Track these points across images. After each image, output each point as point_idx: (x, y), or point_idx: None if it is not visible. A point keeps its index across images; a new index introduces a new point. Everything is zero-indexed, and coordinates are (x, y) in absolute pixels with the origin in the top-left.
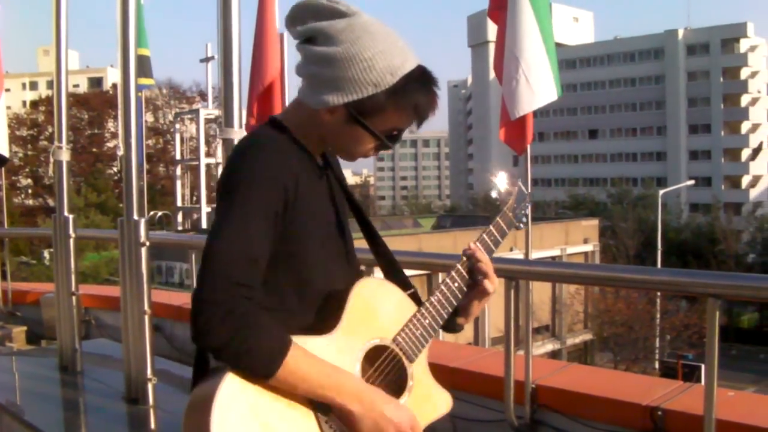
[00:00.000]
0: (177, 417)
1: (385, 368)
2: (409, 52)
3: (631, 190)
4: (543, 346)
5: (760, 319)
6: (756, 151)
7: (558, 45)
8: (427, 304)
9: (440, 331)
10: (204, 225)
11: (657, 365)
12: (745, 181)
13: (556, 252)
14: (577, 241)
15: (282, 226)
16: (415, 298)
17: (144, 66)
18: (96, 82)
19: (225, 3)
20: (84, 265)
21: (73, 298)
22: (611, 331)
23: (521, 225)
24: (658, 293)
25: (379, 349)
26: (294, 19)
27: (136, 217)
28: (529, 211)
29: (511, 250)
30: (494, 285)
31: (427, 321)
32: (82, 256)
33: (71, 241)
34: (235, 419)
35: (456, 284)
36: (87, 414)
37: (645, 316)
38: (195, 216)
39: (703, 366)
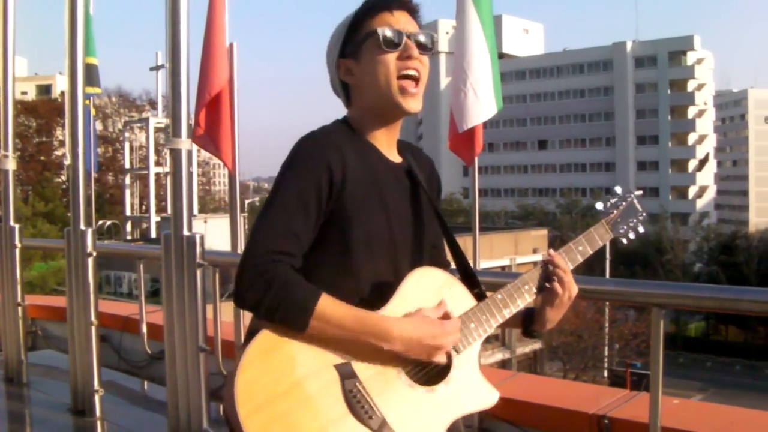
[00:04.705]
0: (124, 429)
1: None
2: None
3: (580, 200)
4: (492, 356)
5: (707, 327)
6: (702, 162)
7: (508, 56)
8: (488, 301)
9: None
10: (153, 234)
11: (606, 374)
12: (692, 191)
13: (505, 262)
14: (526, 251)
15: (331, 203)
16: (481, 297)
17: (91, 75)
18: (44, 90)
19: (173, 12)
20: (31, 274)
21: (19, 308)
22: (561, 341)
23: (624, 240)
24: (607, 303)
25: None
26: None
27: (83, 226)
28: (641, 229)
29: None
30: (567, 291)
31: (484, 316)
32: (30, 265)
33: (17, 251)
34: (260, 374)
35: (526, 287)
36: (32, 426)
37: (594, 325)
38: (144, 225)
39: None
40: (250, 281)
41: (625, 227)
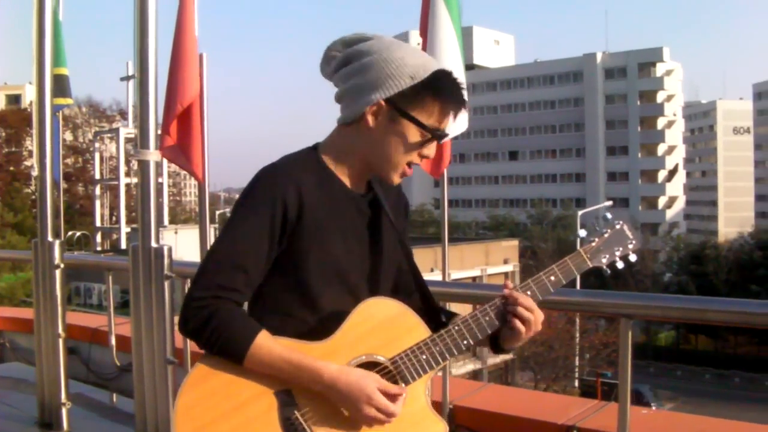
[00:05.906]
0: None
1: None
2: (430, 58)
3: (551, 211)
4: (464, 366)
5: (677, 336)
6: (672, 173)
7: (479, 67)
8: (444, 333)
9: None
10: (123, 245)
11: (577, 384)
12: (662, 201)
13: (476, 272)
14: (497, 261)
15: (285, 237)
16: (442, 325)
17: (62, 85)
18: (14, 99)
19: (142, 23)
20: (0, 286)
21: None
22: (532, 351)
23: (608, 270)
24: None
25: (375, 365)
26: (327, 57)
27: (50, 238)
28: (633, 257)
29: (431, 270)
30: (530, 330)
31: (437, 348)
32: None
33: None
34: (200, 397)
35: (487, 318)
36: None
37: (565, 335)
38: (114, 236)
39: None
40: (193, 312)
41: (607, 256)
